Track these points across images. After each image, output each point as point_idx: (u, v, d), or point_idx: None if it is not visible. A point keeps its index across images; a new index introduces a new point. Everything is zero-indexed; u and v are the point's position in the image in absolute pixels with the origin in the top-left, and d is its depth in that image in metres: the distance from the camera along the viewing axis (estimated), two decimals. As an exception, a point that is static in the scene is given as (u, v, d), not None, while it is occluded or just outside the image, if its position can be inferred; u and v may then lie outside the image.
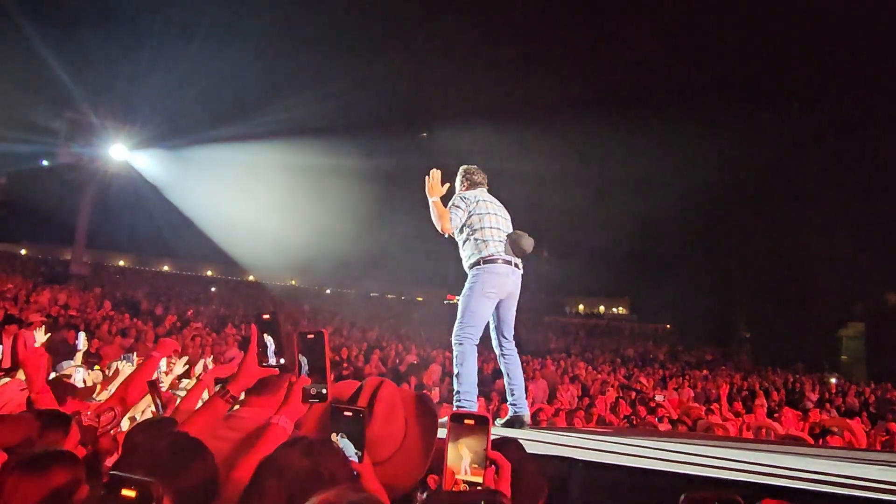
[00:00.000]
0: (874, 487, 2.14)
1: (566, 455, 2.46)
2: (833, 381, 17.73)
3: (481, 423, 1.49)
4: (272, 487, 1.40)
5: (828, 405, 13.22)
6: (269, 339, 1.95)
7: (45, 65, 20.76)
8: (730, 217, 31.51)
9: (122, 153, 23.89)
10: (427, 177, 4.55)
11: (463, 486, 1.45)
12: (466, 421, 1.49)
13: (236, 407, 2.02)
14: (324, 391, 1.83)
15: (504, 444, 1.79)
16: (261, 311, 2.14)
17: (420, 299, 39.64)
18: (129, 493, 1.15)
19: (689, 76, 29.96)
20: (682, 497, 1.33)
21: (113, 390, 3.56)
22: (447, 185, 4.60)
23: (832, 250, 27.44)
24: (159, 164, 24.64)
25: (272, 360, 1.94)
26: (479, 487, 1.44)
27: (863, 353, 27.74)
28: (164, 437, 1.61)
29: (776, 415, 9.55)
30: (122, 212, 29.26)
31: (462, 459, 1.47)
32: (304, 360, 1.86)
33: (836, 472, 2.63)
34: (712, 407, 8.86)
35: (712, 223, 32.34)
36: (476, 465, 1.46)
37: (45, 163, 23.99)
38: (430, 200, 4.52)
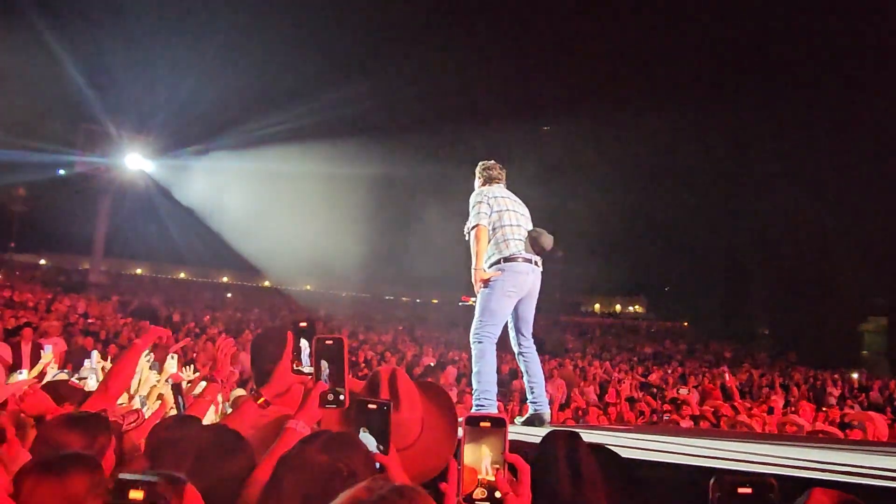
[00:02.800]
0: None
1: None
2: (855, 376, 17.44)
3: (497, 425, 1.46)
4: (290, 484, 1.38)
5: (850, 401, 13.03)
6: (304, 345, 1.97)
7: (62, 76, 21.03)
8: (746, 212, 31.22)
9: (137, 162, 24.13)
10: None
11: (480, 493, 1.41)
12: (482, 423, 1.46)
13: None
14: (342, 397, 1.83)
15: (570, 438, 1.77)
16: (297, 318, 2.15)
17: (435, 301, 39.66)
18: (136, 494, 1.13)
19: (708, 67, 29.76)
20: (712, 480, 1.30)
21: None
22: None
23: (852, 244, 27.11)
24: (174, 172, 24.88)
25: (306, 366, 1.95)
26: (497, 494, 1.40)
27: (885, 348, 27.28)
28: (208, 430, 1.63)
29: (791, 408, 9.46)
30: (139, 220, 29.50)
31: (482, 460, 1.43)
32: (325, 366, 1.85)
33: (869, 465, 2.57)
34: (735, 403, 8.75)
35: (728, 219, 32.08)
36: (497, 466, 1.43)
37: (61, 172, 24.25)
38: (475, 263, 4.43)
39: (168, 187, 24.97)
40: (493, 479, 1.42)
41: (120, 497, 1.12)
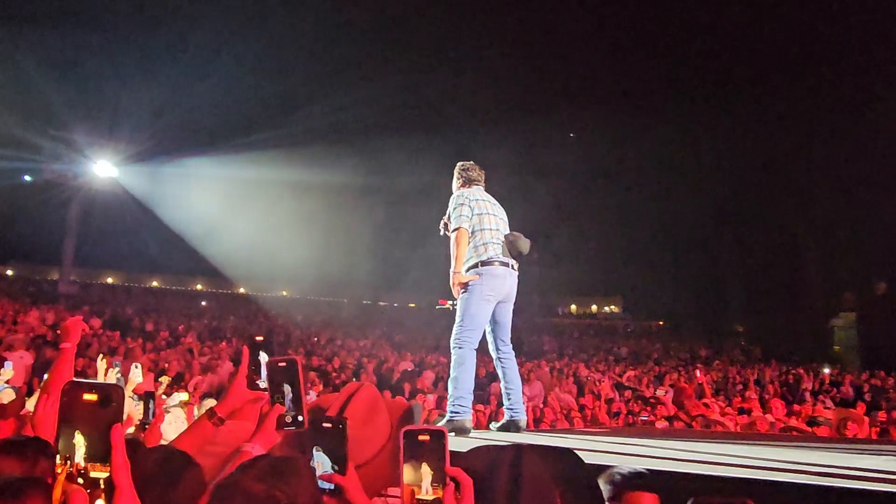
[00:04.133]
0: (876, 478, 2.11)
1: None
2: (826, 371, 17.76)
3: (438, 438, 1.41)
4: None
5: (822, 395, 13.25)
6: (263, 358, 1.91)
7: (29, 80, 20.62)
8: (719, 211, 31.64)
9: (107, 169, 23.70)
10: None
11: None
12: (421, 437, 1.42)
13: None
14: (300, 418, 1.77)
15: (561, 454, 1.74)
16: (253, 332, 2.10)
17: (412, 305, 39.60)
18: (90, 397, 1.15)
19: (681, 71, 30.14)
20: (689, 502, 1.28)
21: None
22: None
23: (821, 241, 27.68)
24: (145, 179, 24.48)
25: (263, 381, 1.89)
26: None
27: (855, 343, 27.80)
28: (154, 451, 1.56)
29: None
30: (110, 229, 29.01)
31: (422, 478, 1.39)
32: (287, 389, 1.81)
33: (842, 464, 2.60)
34: (708, 402, 8.84)
35: (702, 218, 32.46)
36: (436, 484, 1.39)
37: (27, 178, 23.74)
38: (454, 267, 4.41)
39: (139, 195, 24.60)
40: (431, 498, 1.37)
41: (73, 400, 1.15)
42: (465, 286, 4.33)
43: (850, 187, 24.78)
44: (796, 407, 9.80)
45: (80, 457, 1.13)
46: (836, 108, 24.87)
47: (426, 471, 1.39)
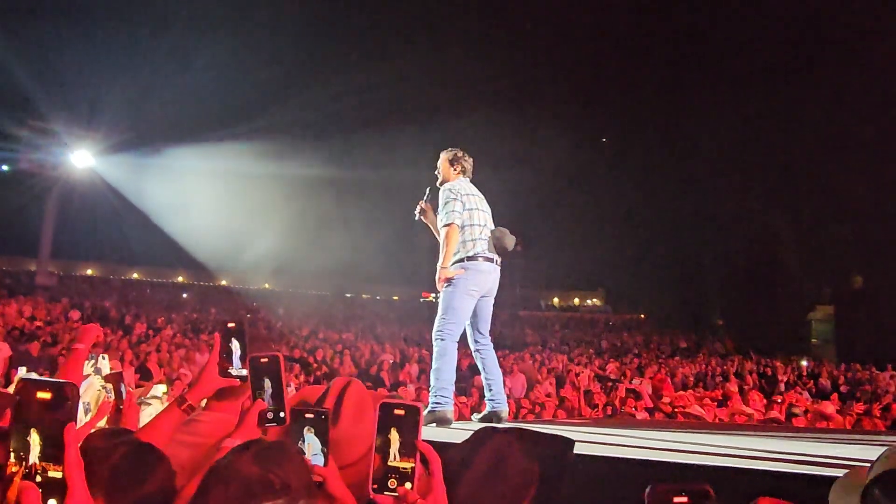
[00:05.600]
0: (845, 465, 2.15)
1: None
2: (804, 363, 18.05)
3: (412, 413, 1.46)
4: (218, 496, 1.29)
5: (799, 388, 13.47)
6: (235, 346, 1.91)
7: (6, 69, 20.25)
8: (700, 206, 31.91)
9: (86, 159, 23.36)
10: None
11: (391, 482, 1.42)
12: (396, 411, 1.46)
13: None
14: (282, 414, 1.77)
15: (504, 433, 1.75)
16: (226, 319, 2.09)
17: (396, 298, 39.57)
18: (44, 395, 1.14)
19: (667, 59, 30.21)
20: (647, 489, 1.30)
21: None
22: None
23: (800, 237, 28.06)
24: (125, 169, 24.16)
25: (237, 369, 1.89)
26: (408, 485, 1.41)
27: (832, 336, 28.27)
28: (120, 446, 1.54)
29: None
30: (88, 220, 28.64)
31: (390, 446, 1.44)
32: (267, 384, 1.81)
33: (810, 452, 2.65)
34: (688, 394, 8.96)
35: (683, 213, 32.72)
36: (404, 453, 1.44)
37: (4, 168, 23.36)
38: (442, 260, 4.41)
39: (118, 186, 24.28)
40: (401, 465, 1.42)
41: (27, 398, 1.15)
42: (449, 280, 4.37)
43: (827, 182, 25.08)
44: (775, 398, 9.96)
45: (34, 456, 1.13)
46: (811, 101, 25.12)
47: (395, 438, 1.44)
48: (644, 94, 30.14)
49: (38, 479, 1.12)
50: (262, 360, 1.80)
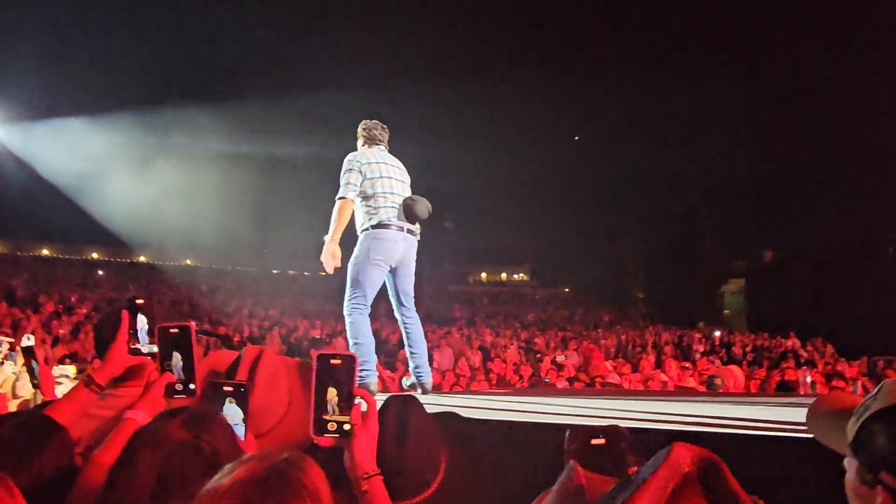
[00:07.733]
0: (758, 426, 2.28)
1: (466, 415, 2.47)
2: (717, 333, 18.99)
3: (348, 362, 1.49)
4: (146, 461, 1.26)
5: (712, 356, 14.20)
6: (141, 321, 1.85)
7: None
8: (622, 183, 32.88)
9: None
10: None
11: (331, 426, 1.47)
12: (332, 361, 1.48)
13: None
14: (192, 386, 1.74)
15: (404, 402, 1.79)
16: (134, 295, 2.01)
17: (323, 274, 38.99)
18: None
19: (594, 28, 30.66)
20: (567, 432, 1.35)
21: None
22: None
23: (714, 212, 29.44)
24: (34, 140, 22.59)
25: (145, 345, 1.84)
26: (346, 426, 1.46)
27: (743, 307, 29.95)
28: (12, 416, 1.47)
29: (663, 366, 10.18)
30: (-7, 193, 26.76)
31: (329, 400, 1.47)
32: (176, 357, 1.74)
33: (727, 415, 2.79)
34: (607, 363, 9.28)
35: (606, 189, 33.67)
36: (343, 405, 1.47)
37: None
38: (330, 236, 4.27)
39: (26, 156, 22.72)
40: (338, 419, 1.47)
41: None
42: (357, 252, 4.28)
43: (743, 159, 26.23)
44: (688, 365, 10.47)
45: None
46: (733, 75, 26.12)
47: (333, 394, 1.47)
48: (572, 64, 30.50)
49: None
50: (172, 330, 1.76)
